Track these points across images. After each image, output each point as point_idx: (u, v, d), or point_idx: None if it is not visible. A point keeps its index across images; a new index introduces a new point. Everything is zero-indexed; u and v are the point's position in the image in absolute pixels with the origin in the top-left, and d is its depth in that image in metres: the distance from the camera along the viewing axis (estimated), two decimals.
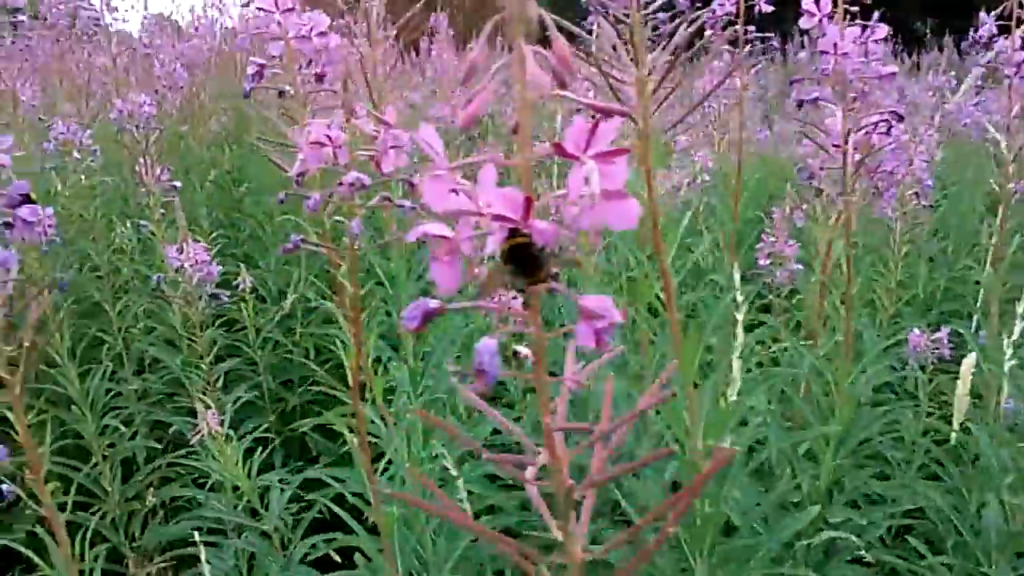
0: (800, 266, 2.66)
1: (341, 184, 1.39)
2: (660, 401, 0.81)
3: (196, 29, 6.04)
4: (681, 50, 1.16)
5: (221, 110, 5.16)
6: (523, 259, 0.63)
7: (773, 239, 2.61)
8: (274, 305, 3.48)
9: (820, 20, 1.65)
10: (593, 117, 0.63)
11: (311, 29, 1.48)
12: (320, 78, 1.49)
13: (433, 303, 0.73)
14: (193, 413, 2.90)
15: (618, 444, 0.82)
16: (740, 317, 1.47)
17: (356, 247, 1.53)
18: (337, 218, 1.52)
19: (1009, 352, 2.12)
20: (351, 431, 1.84)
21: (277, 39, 1.48)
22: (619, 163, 0.62)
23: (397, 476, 1.96)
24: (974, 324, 3.19)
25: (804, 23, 1.67)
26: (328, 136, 1.33)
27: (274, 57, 1.51)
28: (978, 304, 3.22)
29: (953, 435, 2.16)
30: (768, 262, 2.61)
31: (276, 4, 1.52)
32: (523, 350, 0.77)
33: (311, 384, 3.35)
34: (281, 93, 1.51)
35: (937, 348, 2.89)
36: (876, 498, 2.26)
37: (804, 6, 1.75)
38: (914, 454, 2.48)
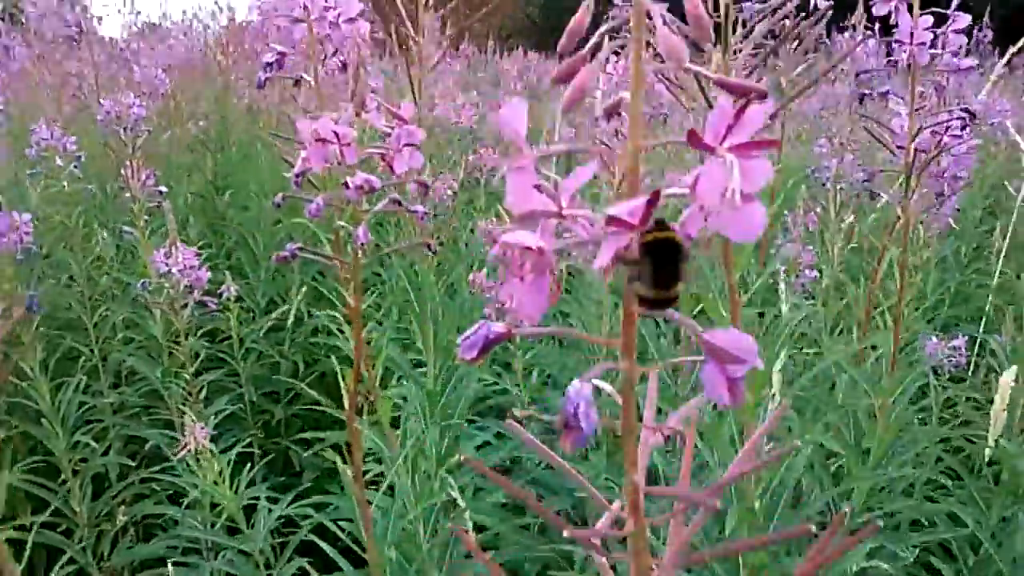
0: (815, 273, 2.54)
1: (347, 186, 1.24)
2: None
3: (184, 35, 5.85)
4: (782, 36, 1.02)
5: (201, 114, 4.96)
6: (665, 259, 0.48)
7: (790, 244, 2.49)
8: (262, 317, 3.32)
9: (896, 5, 1.50)
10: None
11: (339, 14, 1.32)
12: (345, 67, 1.33)
13: (498, 328, 0.58)
14: (171, 426, 2.75)
15: (698, 524, 0.68)
16: (784, 332, 1.34)
17: (360, 256, 1.38)
18: (341, 223, 1.36)
19: None
20: (344, 461, 1.68)
21: (300, 22, 1.32)
22: (761, 158, 0.47)
23: (395, 505, 1.80)
24: (981, 329, 3.09)
25: (878, 9, 1.53)
26: (335, 132, 1.17)
27: (292, 51, 1.35)
28: (987, 309, 3.12)
29: (987, 450, 2.04)
30: (784, 268, 2.49)
31: None
32: (606, 387, 0.63)
33: (297, 397, 3.20)
34: (297, 82, 1.35)
35: (953, 356, 2.78)
36: (878, 508, 2.14)
37: None
38: (923, 466, 2.36)
